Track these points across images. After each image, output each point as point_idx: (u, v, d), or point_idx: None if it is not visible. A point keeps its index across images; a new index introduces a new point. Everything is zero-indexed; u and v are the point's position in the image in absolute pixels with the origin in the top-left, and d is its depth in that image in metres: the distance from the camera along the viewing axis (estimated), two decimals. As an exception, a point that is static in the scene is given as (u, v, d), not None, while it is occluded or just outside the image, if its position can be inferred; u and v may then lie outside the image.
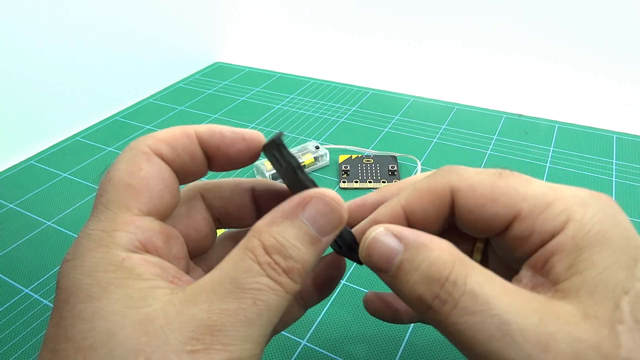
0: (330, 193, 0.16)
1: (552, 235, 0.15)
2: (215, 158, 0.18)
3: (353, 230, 0.19)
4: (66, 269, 0.15)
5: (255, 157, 0.18)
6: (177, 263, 0.17)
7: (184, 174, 0.18)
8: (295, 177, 0.17)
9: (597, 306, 0.13)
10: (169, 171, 0.17)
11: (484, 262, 0.20)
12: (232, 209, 0.20)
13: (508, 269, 0.19)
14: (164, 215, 0.17)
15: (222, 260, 0.15)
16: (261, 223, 0.16)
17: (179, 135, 0.17)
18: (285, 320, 0.20)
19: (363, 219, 0.19)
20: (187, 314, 0.13)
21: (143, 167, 0.16)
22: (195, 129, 0.18)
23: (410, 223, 0.18)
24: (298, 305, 0.20)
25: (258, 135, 0.18)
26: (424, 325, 0.29)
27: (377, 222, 0.18)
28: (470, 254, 0.21)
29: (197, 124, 0.18)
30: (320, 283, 0.20)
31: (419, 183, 0.18)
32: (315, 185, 0.17)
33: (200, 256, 0.20)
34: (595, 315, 0.13)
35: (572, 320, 0.13)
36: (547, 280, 0.15)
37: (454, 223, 0.20)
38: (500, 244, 0.18)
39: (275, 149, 0.17)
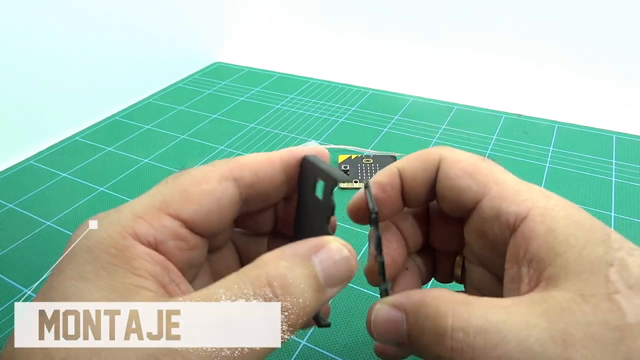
0: (347, 245, 0.16)
1: (516, 218, 0.16)
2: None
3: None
4: (85, 227, 0.15)
5: None
6: (188, 270, 0.17)
7: (263, 197, 0.19)
8: (323, 219, 0.17)
9: (590, 284, 0.14)
10: (230, 198, 0.17)
11: (463, 275, 0.22)
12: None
13: (489, 277, 0.20)
14: (207, 232, 0.17)
15: (219, 280, 0.15)
16: (270, 255, 0.15)
17: (263, 161, 0.18)
18: None
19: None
20: None
21: (210, 184, 0.17)
22: (279, 154, 0.19)
23: (402, 181, 0.20)
24: None
25: (322, 150, 0.20)
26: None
27: (377, 182, 0.20)
28: (451, 269, 0.22)
29: (280, 150, 0.19)
30: None
31: (416, 152, 0.21)
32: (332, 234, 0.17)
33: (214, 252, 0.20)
34: (592, 293, 0.14)
35: (575, 307, 0.14)
36: (535, 269, 0.15)
37: (430, 242, 0.22)
38: (472, 229, 0.19)
39: (333, 184, 0.17)
